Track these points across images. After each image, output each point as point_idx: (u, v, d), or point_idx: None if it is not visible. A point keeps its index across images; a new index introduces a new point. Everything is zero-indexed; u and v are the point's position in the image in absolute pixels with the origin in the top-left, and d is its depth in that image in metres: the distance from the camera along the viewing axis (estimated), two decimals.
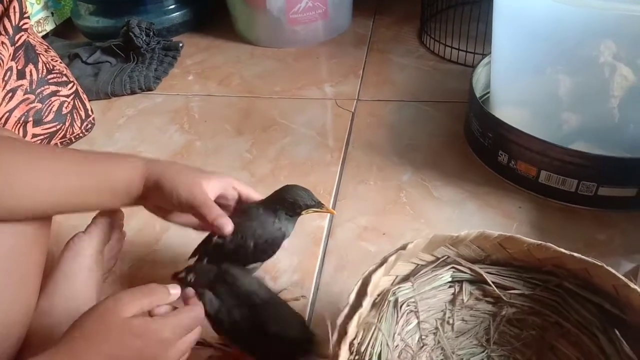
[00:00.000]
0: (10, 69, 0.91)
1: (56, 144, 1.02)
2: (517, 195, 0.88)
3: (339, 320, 0.53)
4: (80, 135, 1.06)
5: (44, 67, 0.98)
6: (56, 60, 1.03)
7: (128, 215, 0.90)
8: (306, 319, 0.72)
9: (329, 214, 0.85)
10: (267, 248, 0.66)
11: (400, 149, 1.00)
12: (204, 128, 1.12)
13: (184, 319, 0.51)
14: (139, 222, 0.89)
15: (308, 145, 1.04)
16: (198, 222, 0.63)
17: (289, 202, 0.65)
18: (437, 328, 0.60)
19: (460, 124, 1.05)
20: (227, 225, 0.60)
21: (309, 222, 0.86)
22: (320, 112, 1.14)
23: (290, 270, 0.79)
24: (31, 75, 0.95)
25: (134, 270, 0.80)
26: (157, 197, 0.60)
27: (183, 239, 0.85)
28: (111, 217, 0.69)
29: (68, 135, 1.03)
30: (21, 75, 0.93)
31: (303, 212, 0.66)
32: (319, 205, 0.66)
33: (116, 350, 0.46)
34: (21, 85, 0.92)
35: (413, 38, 1.40)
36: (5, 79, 0.90)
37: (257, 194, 0.67)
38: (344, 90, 1.20)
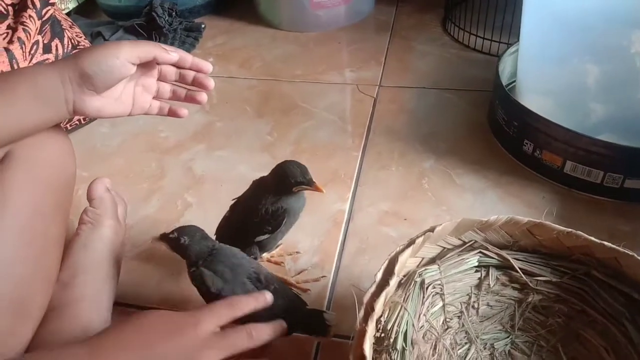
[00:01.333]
0: (37, 42, 0.91)
1: (79, 119, 1.02)
2: (541, 186, 0.87)
3: (366, 298, 0.53)
4: None
5: (69, 43, 0.98)
6: (81, 37, 1.03)
7: (150, 192, 0.91)
8: (326, 300, 0.72)
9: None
10: (265, 222, 0.67)
11: (422, 135, 1.00)
12: (224, 109, 1.12)
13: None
14: (162, 199, 0.89)
15: (329, 130, 1.03)
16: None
17: (280, 179, 0.65)
18: (461, 311, 0.60)
19: (484, 112, 1.04)
20: (174, 53, 0.58)
21: (330, 205, 0.85)
22: (341, 97, 1.13)
23: (310, 251, 0.79)
24: (57, 50, 0.95)
25: (155, 247, 0.80)
26: (89, 85, 0.54)
27: (205, 213, 0.85)
28: (104, 187, 0.68)
29: None
30: (47, 49, 0.93)
31: (294, 189, 0.66)
32: (309, 183, 0.65)
33: None
34: (47, 59, 0.92)
35: (436, 26, 1.39)
36: (32, 52, 0.90)
37: (178, 56, 0.59)
38: (365, 76, 1.19)
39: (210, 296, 0.58)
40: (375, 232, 0.81)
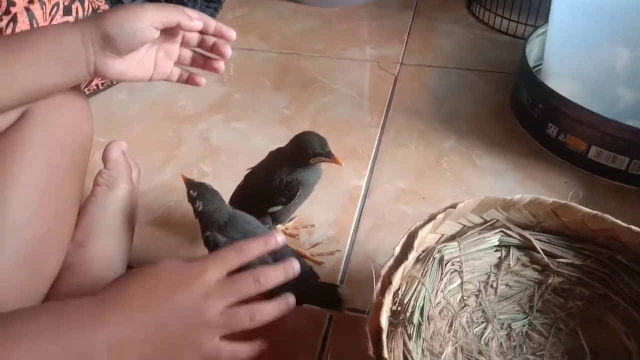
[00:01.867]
0: (57, 4, 0.90)
1: (97, 84, 1.01)
2: (564, 170, 0.85)
3: (383, 271, 0.52)
4: None
5: (90, 6, 0.96)
6: (101, 1, 1.02)
7: (166, 160, 0.90)
8: (340, 273, 0.71)
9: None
10: (278, 193, 0.66)
11: (443, 115, 0.98)
12: (242, 81, 1.10)
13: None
14: (177, 167, 0.89)
15: (348, 106, 1.02)
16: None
17: (298, 149, 0.64)
18: (479, 290, 0.59)
19: (507, 94, 1.02)
20: (198, 21, 0.56)
21: (347, 181, 0.84)
22: (361, 73, 1.12)
23: (326, 225, 0.78)
24: (77, 12, 0.93)
25: (171, 212, 0.80)
26: (111, 48, 0.53)
27: (220, 183, 0.84)
28: (120, 149, 0.67)
29: None
30: (67, 11, 0.92)
31: (311, 161, 0.64)
32: (327, 154, 0.63)
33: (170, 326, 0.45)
34: (67, 21, 0.91)
35: (461, 7, 1.36)
36: (52, 14, 0.89)
37: (202, 23, 0.57)
38: (387, 53, 1.17)
39: None
40: (391, 210, 0.80)
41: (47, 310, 0.47)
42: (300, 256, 0.64)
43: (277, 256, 0.58)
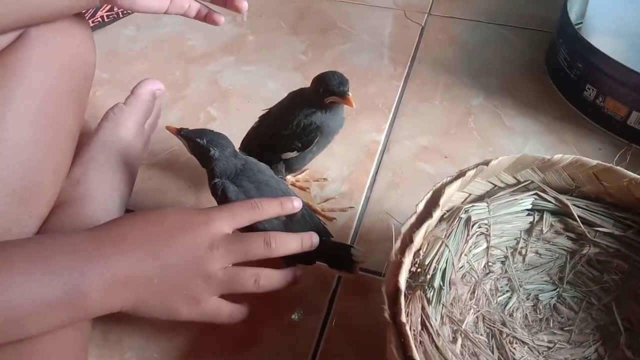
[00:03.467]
0: None
1: (102, 16, 0.94)
2: (599, 137, 0.79)
3: (404, 229, 0.47)
4: (128, 11, 0.98)
5: None
6: None
7: (172, 101, 0.84)
8: (352, 231, 0.66)
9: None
10: (295, 136, 0.61)
11: (472, 70, 0.91)
12: (257, 22, 1.03)
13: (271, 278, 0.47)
14: (184, 109, 0.83)
15: (369, 55, 0.95)
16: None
17: (315, 86, 0.58)
18: (506, 257, 0.54)
19: (541, 52, 0.94)
20: None
21: (364, 135, 0.79)
22: (385, 21, 1.04)
23: (339, 180, 0.72)
24: None
25: (174, 157, 0.75)
26: None
27: (228, 129, 0.78)
28: (152, 89, 0.63)
29: (115, 9, 0.95)
30: None
31: (326, 100, 0.58)
32: (341, 94, 0.58)
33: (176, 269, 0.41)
34: None
35: None
36: None
37: None
38: (413, 2, 1.09)
39: None
40: (411, 167, 0.74)
41: (35, 241, 0.43)
42: (312, 211, 0.59)
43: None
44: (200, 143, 0.53)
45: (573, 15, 0.93)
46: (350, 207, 0.69)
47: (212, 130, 0.55)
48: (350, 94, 0.58)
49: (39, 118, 0.50)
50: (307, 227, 0.54)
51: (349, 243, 0.64)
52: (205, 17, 0.58)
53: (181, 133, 0.54)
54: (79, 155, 0.56)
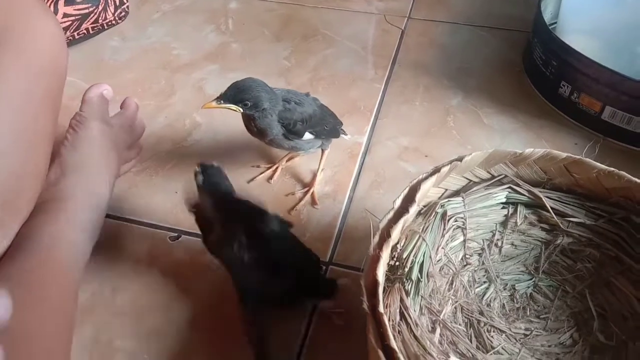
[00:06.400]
0: None
1: (87, 28, 0.96)
2: (574, 132, 0.81)
3: (382, 224, 0.49)
4: (113, 22, 1.00)
5: None
6: None
7: (157, 110, 0.86)
8: (336, 229, 0.68)
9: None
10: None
11: (451, 72, 0.93)
12: (241, 31, 1.05)
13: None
14: (170, 117, 0.85)
15: (351, 59, 0.97)
16: None
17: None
18: (483, 249, 0.56)
19: (518, 52, 0.97)
20: None
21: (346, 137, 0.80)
22: (366, 26, 1.06)
23: (323, 181, 0.74)
24: None
25: (162, 163, 0.76)
26: None
27: (213, 135, 0.81)
28: (99, 92, 0.64)
29: (100, 21, 0.97)
30: None
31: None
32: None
33: None
34: None
35: None
36: None
37: None
38: (393, 6, 1.11)
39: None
40: (392, 167, 0.76)
41: None
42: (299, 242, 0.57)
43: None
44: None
45: (547, 15, 0.96)
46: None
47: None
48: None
49: (17, 122, 0.51)
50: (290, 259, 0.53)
51: (332, 244, 0.66)
52: None
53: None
54: (53, 159, 0.58)
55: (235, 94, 0.61)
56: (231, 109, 0.62)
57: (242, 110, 0.62)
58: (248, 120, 0.65)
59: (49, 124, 0.55)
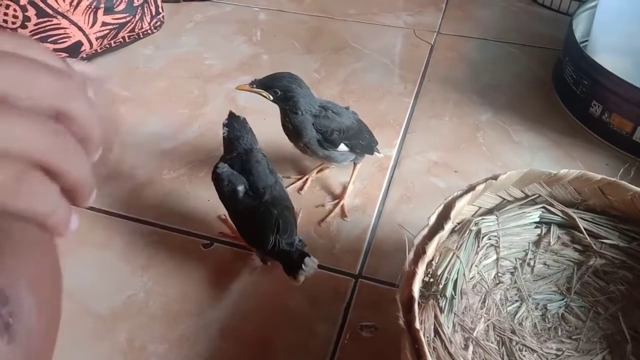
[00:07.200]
0: None
1: (124, 37, 0.98)
2: (605, 152, 0.81)
3: (417, 240, 0.50)
4: (149, 32, 1.02)
5: None
6: None
7: (191, 119, 0.88)
8: (366, 242, 0.69)
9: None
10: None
11: (480, 87, 0.93)
12: (272, 42, 1.07)
13: None
14: (203, 127, 0.86)
15: (380, 73, 0.98)
16: None
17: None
18: (515, 267, 0.56)
19: (548, 70, 0.97)
20: None
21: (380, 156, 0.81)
22: (396, 40, 1.07)
23: (352, 193, 0.75)
24: None
25: (195, 172, 0.78)
26: None
27: None
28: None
29: (137, 30, 0.99)
30: None
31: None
32: None
33: None
34: None
35: None
36: None
37: None
38: (423, 21, 1.12)
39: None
40: (422, 181, 0.77)
41: None
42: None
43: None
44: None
45: (578, 34, 0.96)
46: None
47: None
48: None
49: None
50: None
51: (362, 257, 0.67)
52: None
53: (253, 86, 0.63)
54: None
55: (268, 80, 0.64)
56: (261, 95, 0.65)
57: (271, 98, 0.64)
58: (284, 116, 0.66)
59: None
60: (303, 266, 0.54)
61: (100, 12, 0.91)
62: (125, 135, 0.84)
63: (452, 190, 0.55)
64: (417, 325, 0.42)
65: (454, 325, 0.49)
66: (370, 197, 0.75)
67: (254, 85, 0.64)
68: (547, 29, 1.09)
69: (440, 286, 0.49)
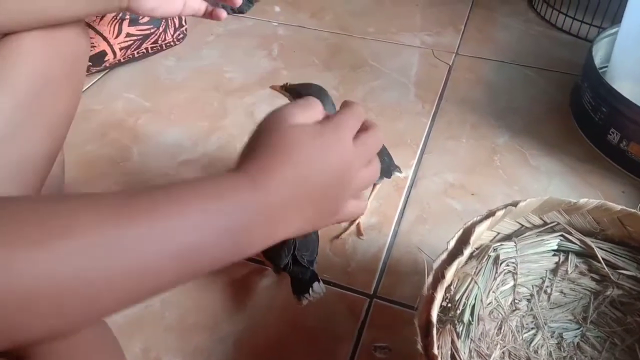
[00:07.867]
0: None
1: (147, 48, 1.00)
2: (622, 179, 0.81)
3: (436, 264, 0.50)
4: (172, 44, 1.04)
5: None
6: None
7: (210, 131, 0.89)
8: (381, 262, 0.69)
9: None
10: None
11: (498, 110, 0.94)
12: (291, 58, 1.08)
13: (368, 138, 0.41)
14: (222, 139, 0.88)
15: (399, 92, 0.99)
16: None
17: None
18: (532, 295, 0.56)
19: (566, 95, 0.97)
20: None
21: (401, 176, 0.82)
22: (414, 60, 1.08)
23: (368, 212, 0.75)
24: None
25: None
26: None
27: None
28: None
29: (160, 42, 1.01)
30: None
31: None
32: None
33: (304, 158, 0.36)
34: None
35: (520, 1, 1.30)
36: None
37: None
38: (442, 41, 1.13)
39: None
40: (438, 203, 0.77)
41: (177, 186, 0.34)
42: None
43: None
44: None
45: (598, 60, 0.96)
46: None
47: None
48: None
49: (36, 106, 0.52)
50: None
51: (377, 276, 0.67)
52: (212, 14, 0.62)
53: (286, 88, 0.63)
54: None
55: (297, 87, 0.66)
56: (289, 99, 0.66)
57: None
58: None
59: (66, 107, 0.56)
60: (310, 291, 0.55)
61: (125, 23, 0.93)
62: (145, 145, 0.85)
63: (468, 212, 0.55)
64: (435, 350, 0.42)
65: (470, 351, 0.49)
66: (387, 217, 0.75)
67: (284, 90, 0.66)
68: (565, 53, 1.09)
69: (458, 311, 0.49)
